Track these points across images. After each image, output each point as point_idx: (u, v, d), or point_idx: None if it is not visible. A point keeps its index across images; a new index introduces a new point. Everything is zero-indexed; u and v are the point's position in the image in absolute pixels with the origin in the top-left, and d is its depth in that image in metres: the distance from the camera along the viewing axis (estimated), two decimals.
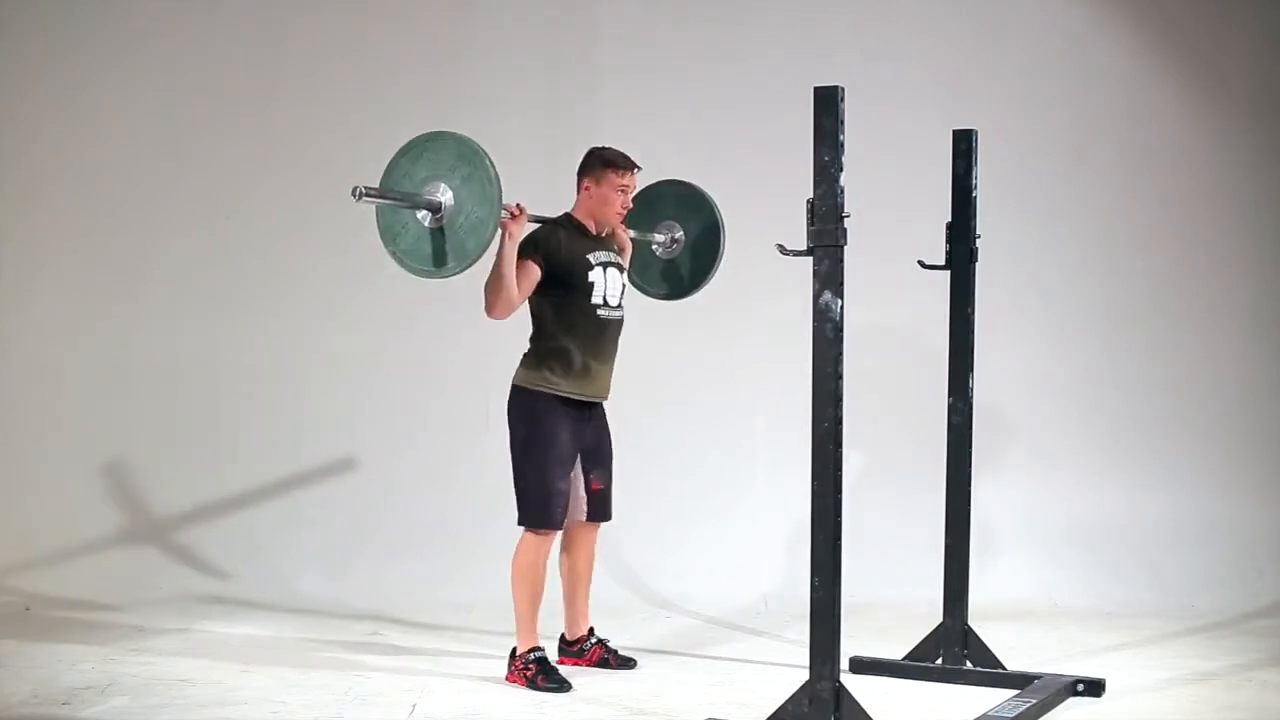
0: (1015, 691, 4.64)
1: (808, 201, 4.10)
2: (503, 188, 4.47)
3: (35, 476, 6.92)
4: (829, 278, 4.09)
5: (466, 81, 7.03)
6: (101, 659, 5.27)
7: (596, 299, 4.97)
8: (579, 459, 5.05)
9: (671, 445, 6.84)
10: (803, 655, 4.25)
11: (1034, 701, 4.50)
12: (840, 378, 4.10)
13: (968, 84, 6.90)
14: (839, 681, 4.12)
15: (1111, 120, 7.01)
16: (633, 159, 5.04)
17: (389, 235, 4.64)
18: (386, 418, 6.98)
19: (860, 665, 5.07)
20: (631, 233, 5.24)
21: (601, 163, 5.03)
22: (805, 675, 4.17)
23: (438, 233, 4.53)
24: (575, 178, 5.08)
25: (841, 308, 4.09)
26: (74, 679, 4.96)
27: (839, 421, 4.11)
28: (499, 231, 4.59)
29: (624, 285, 5.08)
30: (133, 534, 6.81)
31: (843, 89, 4.09)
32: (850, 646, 4.62)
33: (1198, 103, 7.01)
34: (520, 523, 4.97)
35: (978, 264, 5.05)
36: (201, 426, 6.99)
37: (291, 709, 4.60)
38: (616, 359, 5.08)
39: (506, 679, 4.96)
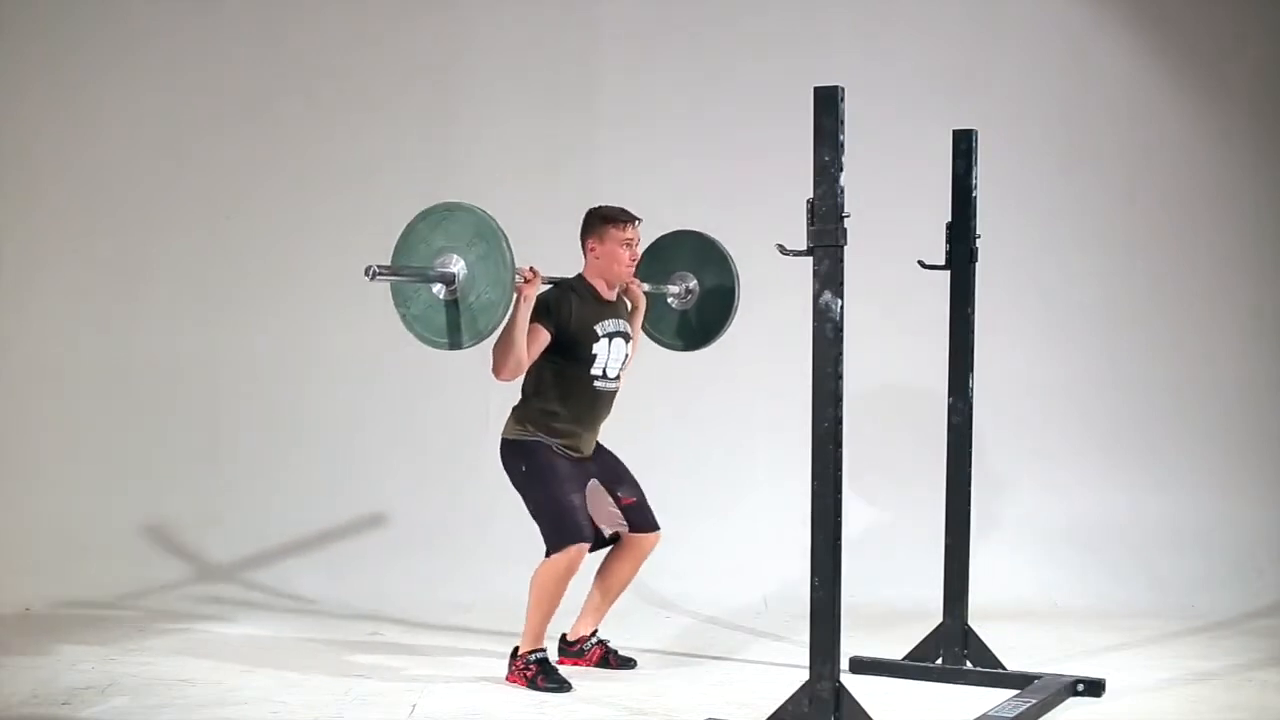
0: (1015, 691, 4.64)
1: (808, 201, 4.10)
2: (515, 264, 4.45)
3: (35, 476, 6.92)
4: (829, 278, 4.09)
5: (466, 83, 7.03)
6: (101, 659, 5.27)
7: (596, 370, 4.99)
8: (599, 483, 5.08)
9: (672, 445, 6.84)
10: (803, 655, 4.25)
11: (1034, 701, 4.50)
12: (840, 378, 4.10)
13: (968, 84, 6.90)
14: (839, 681, 4.12)
15: (1111, 120, 7.01)
16: (631, 212, 5.04)
17: (400, 298, 4.61)
18: (386, 418, 6.98)
19: (860, 665, 5.07)
20: (645, 286, 5.24)
21: (601, 220, 5.03)
22: (805, 675, 4.17)
23: (451, 305, 4.51)
24: (579, 239, 5.07)
25: (841, 308, 4.09)
26: (74, 679, 4.96)
27: (839, 421, 4.10)
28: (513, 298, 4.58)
29: (626, 355, 5.09)
30: (133, 534, 6.81)
31: (843, 89, 4.09)
32: (850, 646, 4.62)
33: (1198, 103, 7.01)
34: (550, 552, 4.91)
35: (978, 264, 5.05)
36: (201, 426, 6.99)
37: (291, 709, 4.60)
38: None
39: (507, 679, 4.96)
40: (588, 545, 4.96)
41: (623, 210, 5.04)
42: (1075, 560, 6.63)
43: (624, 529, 5.14)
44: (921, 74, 6.97)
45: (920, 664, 5.04)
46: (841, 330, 4.09)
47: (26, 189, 7.10)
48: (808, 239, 4.11)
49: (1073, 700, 4.73)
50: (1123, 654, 5.48)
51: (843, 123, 4.07)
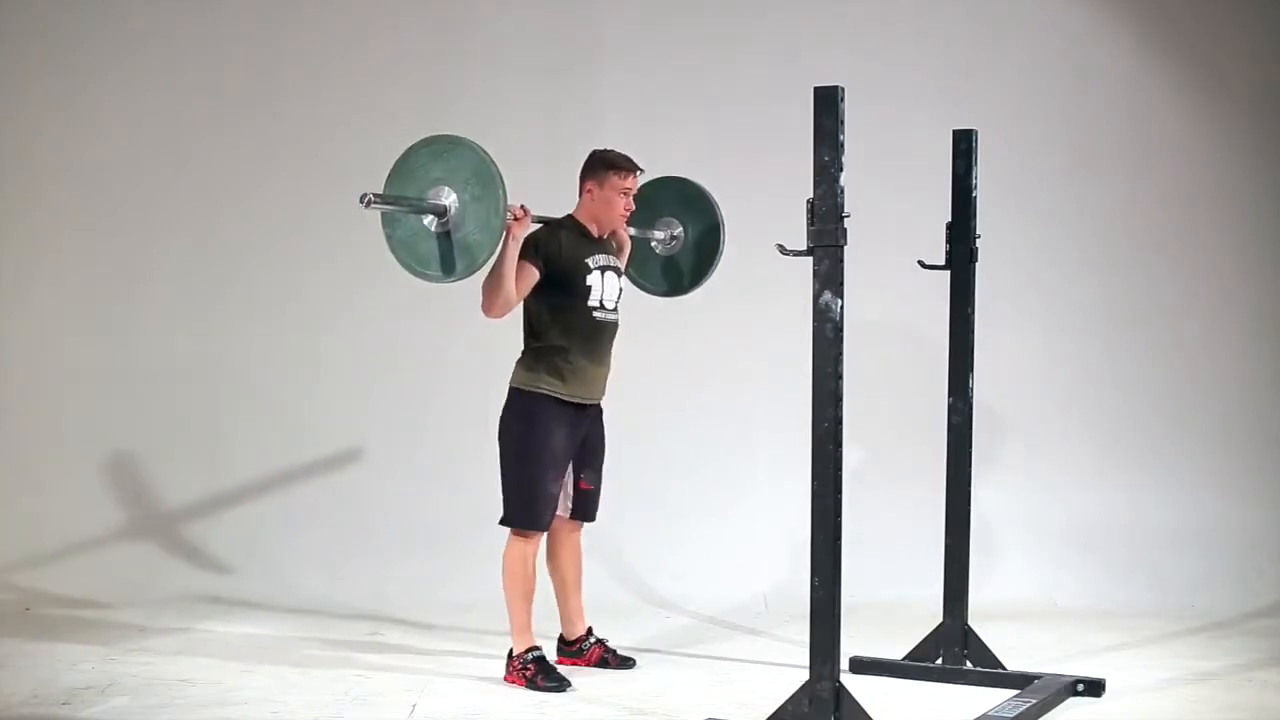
0: (1015, 691, 4.65)
1: (808, 201, 4.10)
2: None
3: (35, 476, 6.92)
4: (829, 278, 4.09)
5: (466, 82, 7.03)
6: (101, 659, 5.27)
7: (593, 302, 4.97)
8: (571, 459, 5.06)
9: (671, 445, 6.84)
10: (803, 655, 4.25)
11: (1034, 701, 4.50)
12: (840, 378, 4.10)
13: (968, 84, 6.90)
14: (839, 681, 4.12)
15: (1111, 120, 7.01)
16: (635, 161, 5.04)
17: (388, 220, 4.64)
18: (386, 418, 6.97)
19: (860, 665, 5.07)
20: (631, 230, 5.24)
21: (604, 165, 5.03)
22: (805, 675, 4.17)
23: (437, 237, 4.53)
24: (577, 180, 5.08)
25: (841, 308, 4.09)
26: (74, 679, 4.96)
27: (839, 421, 4.11)
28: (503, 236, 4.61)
29: (620, 288, 5.09)
30: (133, 533, 6.81)
31: (843, 89, 4.09)
32: (850, 646, 4.62)
33: (1198, 103, 7.00)
34: (504, 522, 4.99)
35: (978, 264, 5.05)
36: (201, 426, 6.99)
37: (291, 709, 4.60)
38: (613, 361, 5.09)
39: (505, 679, 4.96)
40: (544, 532, 5.01)
41: (627, 158, 5.03)
42: (1075, 560, 6.63)
43: (565, 514, 5.12)
44: (921, 74, 6.97)
45: (920, 664, 5.04)
46: (841, 330, 4.09)
47: (26, 189, 7.10)
48: (808, 239, 4.11)
49: (1073, 700, 4.73)
50: (1123, 654, 5.47)
51: (843, 123, 4.08)
